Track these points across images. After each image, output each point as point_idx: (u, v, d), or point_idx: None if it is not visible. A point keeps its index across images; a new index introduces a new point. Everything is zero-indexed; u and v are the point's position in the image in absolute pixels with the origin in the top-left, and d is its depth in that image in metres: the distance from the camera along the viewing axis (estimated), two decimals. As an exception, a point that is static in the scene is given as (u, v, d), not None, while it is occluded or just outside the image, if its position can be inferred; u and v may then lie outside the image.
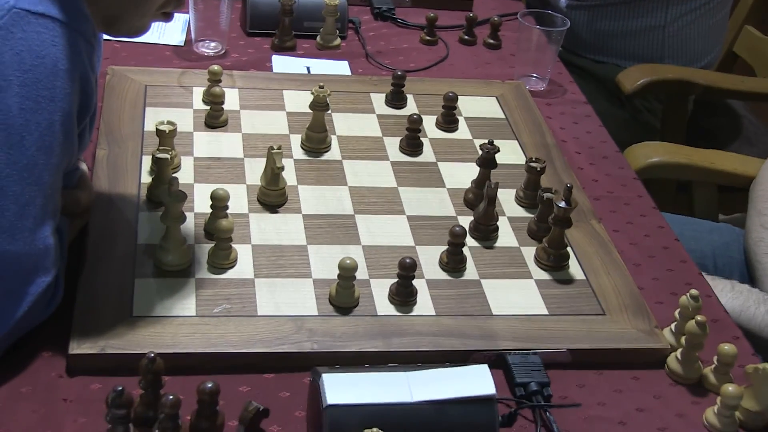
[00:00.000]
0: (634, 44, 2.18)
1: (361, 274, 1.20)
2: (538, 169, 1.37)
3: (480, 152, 1.36)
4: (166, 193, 1.16)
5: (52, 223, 1.03)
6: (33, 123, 0.99)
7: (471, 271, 1.25)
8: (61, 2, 1.01)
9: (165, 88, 1.54)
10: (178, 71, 1.59)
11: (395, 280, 1.18)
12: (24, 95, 0.98)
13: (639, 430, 1.08)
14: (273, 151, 1.28)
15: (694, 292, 1.16)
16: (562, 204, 1.24)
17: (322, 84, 1.42)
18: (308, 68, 1.69)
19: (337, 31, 1.78)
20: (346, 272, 1.14)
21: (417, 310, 1.17)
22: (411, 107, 1.58)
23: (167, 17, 1.15)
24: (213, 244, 1.20)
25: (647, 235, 1.39)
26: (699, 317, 1.12)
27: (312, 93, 1.42)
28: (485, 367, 1.02)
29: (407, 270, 1.16)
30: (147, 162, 1.34)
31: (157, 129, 1.32)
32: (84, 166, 1.27)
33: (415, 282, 1.18)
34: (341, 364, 1.07)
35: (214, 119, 1.46)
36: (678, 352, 1.15)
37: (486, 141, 1.36)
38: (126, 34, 1.15)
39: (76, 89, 1.03)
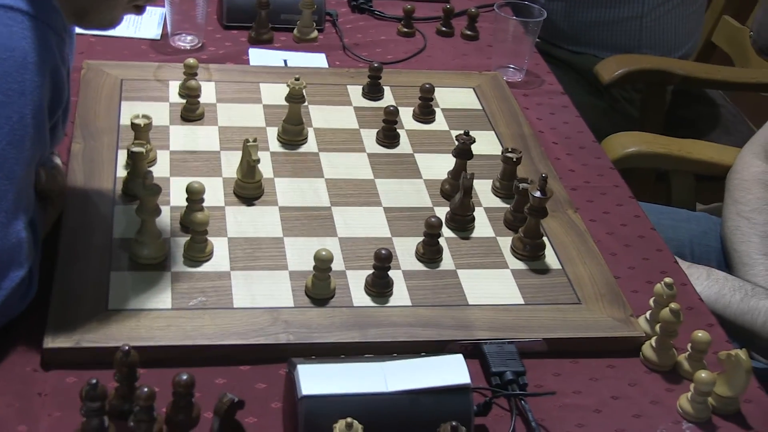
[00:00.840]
0: (611, 34, 2.19)
1: (338, 265, 1.20)
2: (514, 160, 1.37)
3: (456, 143, 1.36)
4: (141, 187, 1.15)
5: (25, 217, 1.03)
6: (3, 117, 0.98)
7: (447, 262, 1.25)
8: (30, -5, 1.00)
9: (141, 82, 1.53)
10: (154, 65, 1.59)
11: (371, 271, 1.18)
12: (-6, 89, 0.97)
13: (614, 417, 1.08)
14: (249, 144, 1.28)
15: (668, 280, 1.17)
16: (538, 194, 1.25)
17: (297, 76, 1.42)
18: (285, 61, 1.69)
19: (315, 24, 1.78)
20: (322, 264, 1.14)
21: (393, 301, 1.18)
22: (388, 99, 1.58)
23: (139, 11, 1.15)
24: (189, 237, 1.20)
25: (624, 225, 1.40)
26: (673, 305, 1.13)
27: (288, 85, 1.42)
28: (460, 356, 1.03)
29: (383, 261, 1.16)
30: (123, 156, 1.34)
31: (132, 123, 1.31)
32: (57, 160, 1.27)
33: (391, 273, 1.18)
34: (317, 355, 1.07)
35: (191, 113, 1.46)
36: (653, 340, 1.16)
37: (462, 132, 1.36)
38: (98, 27, 1.14)
39: (46, 82, 1.02)
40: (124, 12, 1.13)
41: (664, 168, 1.90)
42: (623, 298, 1.23)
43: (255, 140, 1.29)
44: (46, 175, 1.11)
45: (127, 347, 0.97)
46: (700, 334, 1.12)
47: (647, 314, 1.20)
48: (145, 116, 1.32)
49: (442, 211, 1.33)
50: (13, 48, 0.98)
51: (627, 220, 1.41)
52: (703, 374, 1.07)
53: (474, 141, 1.35)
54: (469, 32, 1.86)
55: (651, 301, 1.19)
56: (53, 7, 1.03)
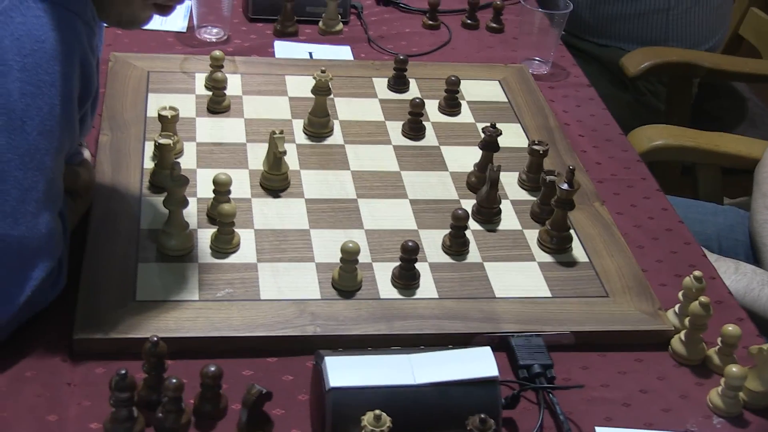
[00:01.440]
0: (637, 27, 2.17)
1: (364, 257, 1.20)
2: (541, 152, 1.36)
3: (482, 135, 1.35)
4: (168, 178, 1.16)
5: (55, 207, 1.04)
6: (34, 108, 0.99)
7: (474, 254, 1.25)
8: (59, -14, 1.01)
9: (167, 74, 1.54)
10: (181, 57, 1.59)
11: (398, 263, 1.18)
12: (24, 80, 0.98)
13: (643, 411, 1.08)
14: (275, 136, 1.28)
15: (697, 273, 1.16)
16: (565, 186, 1.24)
17: (323, 69, 1.42)
18: (310, 53, 1.69)
19: (339, 16, 1.78)
20: (349, 256, 1.14)
21: (420, 293, 1.17)
22: (413, 91, 1.58)
23: (161, 10, 1.13)
24: (216, 229, 1.20)
25: (651, 218, 1.39)
26: (702, 298, 1.12)
27: (314, 78, 1.41)
28: (488, 349, 1.02)
29: (410, 253, 1.16)
30: (150, 147, 1.34)
31: (159, 115, 1.31)
32: (86, 152, 1.28)
33: (417, 265, 1.18)
34: (344, 347, 1.07)
35: (217, 105, 1.46)
36: (682, 334, 1.15)
37: (488, 124, 1.35)
38: (117, 23, 1.14)
39: (76, 73, 1.03)
40: (144, 10, 1.12)
41: (691, 161, 1.88)
42: (651, 292, 1.22)
43: (281, 132, 1.28)
44: (69, 174, 1.11)
45: (155, 338, 0.97)
46: (730, 328, 1.11)
47: (676, 308, 1.19)
48: (172, 108, 1.33)
49: (468, 204, 1.32)
50: (43, 39, 0.99)
51: (654, 213, 1.40)
52: (734, 368, 1.06)
53: (501, 133, 1.34)
54: (494, 25, 1.85)
55: (680, 295, 1.18)
56: (82, -1, 1.03)
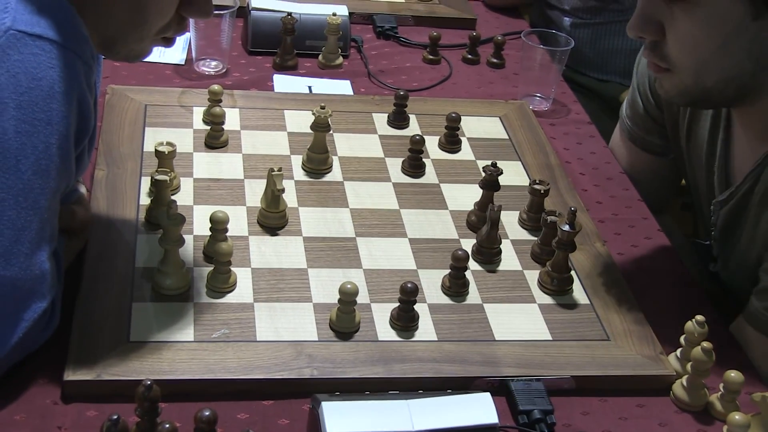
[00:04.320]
0: (638, 63, 2.17)
1: (362, 298, 1.18)
2: (542, 192, 1.35)
3: (483, 174, 1.34)
4: (164, 216, 1.14)
5: (49, 247, 1.02)
6: (29, 146, 0.97)
7: (474, 296, 1.23)
8: (58, 24, 1.00)
9: (165, 107, 1.53)
10: (178, 90, 1.58)
11: (397, 304, 1.16)
12: (20, 118, 0.96)
13: (644, 459, 1.06)
14: (273, 173, 1.27)
15: (699, 317, 1.14)
16: (566, 227, 1.22)
17: (323, 105, 1.41)
18: (310, 87, 1.68)
19: (340, 50, 1.77)
20: (347, 297, 1.13)
21: (418, 335, 1.16)
22: (413, 127, 1.57)
23: (168, 42, 1.14)
24: (212, 268, 1.19)
25: (652, 258, 1.38)
26: (705, 344, 1.10)
27: (313, 114, 1.40)
28: (488, 395, 1.01)
29: (409, 295, 1.14)
30: (146, 183, 1.33)
31: (156, 150, 1.30)
32: (83, 188, 1.26)
33: (416, 306, 1.16)
34: (341, 390, 1.06)
35: (215, 140, 1.45)
36: (684, 379, 1.13)
37: (489, 163, 1.34)
38: (125, 59, 1.13)
39: (73, 111, 1.01)
40: (153, 44, 1.12)
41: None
42: (653, 335, 1.20)
43: (280, 169, 1.27)
44: (65, 212, 1.10)
45: (149, 382, 0.95)
46: (733, 374, 1.10)
47: (678, 352, 1.18)
48: (169, 143, 1.31)
49: (468, 243, 1.31)
50: (40, 77, 0.97)
51: (655, 253, 1.39)
52: (737, 416, 1.04)
53: (501, 172, 1.33)
54: (495, 60, 1.85)
55: (682, 339, 1.17)
56: (83, 37, 1.02)
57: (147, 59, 1.61)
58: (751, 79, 1.17)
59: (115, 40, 1.09)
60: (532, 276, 1.28)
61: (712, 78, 1.17)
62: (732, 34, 1.13)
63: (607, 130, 1.77)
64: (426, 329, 1.17)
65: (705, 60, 1.16)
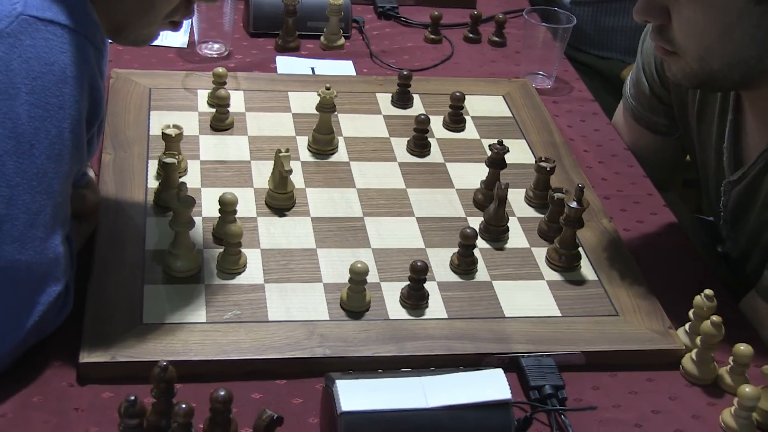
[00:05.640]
0: (638, 40, 2.16)
1: (372, 277, 1.19)
2: (548, 169, 1.36)
3: (488, 152, 1.35)
4: (174, 199, 1.15)
5: (62, 231, 1.02)
6: (42, 131, 0.98)
7: (482, 273, 1.24)
8: (69, 9, 1.00)
9: (169, 91, 1.53)
10: (182, 74, 1.58)
11: (406, 283, 1.17)
12: (33, 103, 0.97)
13: (655, 432, 1.07)
14: (281, 155, 1.27)
15: (708, 291, 1.15)
16: (574, 204, 1.23)
17: (328, 85, 1.41)
18: (313, 69, 1.68)
19: (341, 31, 1.77)
20: (358, 276, 1.13)
21: (429, 313, 1.16)
22: (417, 107, 1.57)
23: (175, 26, 1.14)
24: (222, 249, 1.19)
25: (659, 234, 1.38)
26: (714, 317, 1.11)
27: (319, 94, 1.41)
28: (500, 371, 1.02)
29: (419, 273, 1.15)
30: (153, 166, 1.33)
31: (163, 133, 1.30)
32: (91, 172, 1.27)
33: (426, 285, 1.17)
34: (354, 369, 1.06)
35: (220, 122, 1.45)
36: (693, 353, 1.14)
37: (495, 141, 1.35)
38: (133, 43, 1.14)
39: (84, 96, 1.02)
40: (161, 28, 1.12)
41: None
42: (661, 310, 1.21)
43: (287, 151, 1.28)
44: (76, 197, 1.10)
45: (165, 363, 0.95)
46: (742, 347, 1.11)
47: (686, 326, 1.19)
48: (176, 126, 1.31)
49: (475, 221, 1.32)
50: (52, 62, 0.98)
51: (662, 229, 1.39)
52: (747, 389, 1.05)
53: (508, 150, 1.34)
54: (496, 39, 1.85)
55: (690, 313, 1.18)
56: (93, 21, 1.02)
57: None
58: (757, 63, 1.18)
59: (124, 25, 1.09)
60: (540, 253, 1.28)
61: (717, 62, 1.18)
62: (736, 18, 1.14)
63: (609, 108, 1.78)
64: (436, 307, 1.17)
65: (709, 44, 1.16)
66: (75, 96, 0.99)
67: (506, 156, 1.35)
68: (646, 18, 1.20)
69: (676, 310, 1.23)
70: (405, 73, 1.56)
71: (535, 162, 1.37)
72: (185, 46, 1.70)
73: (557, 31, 1.68)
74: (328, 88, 1.40)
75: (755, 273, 1.30)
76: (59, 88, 0.98)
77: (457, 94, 1.51)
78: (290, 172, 1.27)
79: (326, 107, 1.41)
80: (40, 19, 0.97)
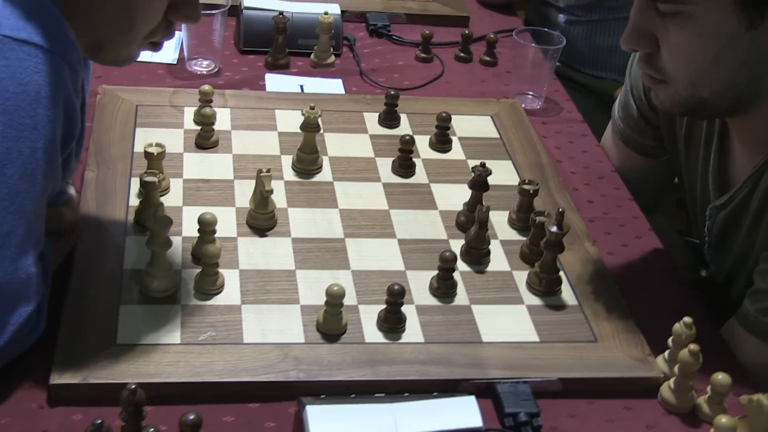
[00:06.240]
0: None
1: (350, 299, 1.18)
2: (531, 192, 1.35)
3: (472, 174, 1.34)
4: (151, 218, 1.14)
5: (35, 251, 1.02)
6: (15, 151, 0.97)
7: (462, 297, 1.23)
8: (45, 29, 1.00)
9: (156, 107, 1.53)
10: (170, 90, 1.58)
11: (384, 306, 1.16)
12: (5, 123, 0.97)
13: (631, 461, 1.06)
14: (262, 175, 1.27)
15: (687, 319, 1.14)
16: (554, 228, 1.22)
17: (312, 105, 1.41)
18: (302, 87, 1.68)
19: (332, 49, 1.77)
20: (334, 299, 1.13)
21: (405, 337, 1.16)
22: (404, 127, 1.57)
23: (155, 47, 1.14)
24: (200, 269, 1.19)
25: (643, 258, 1.37)
26: (692, 346, 1.10)
27: (303, 114, 1.40)
28: (472, 398, 1.01)
29: (396, 297, 1.14)
30: (136, 184, 1.33)
31: (145, 151, 1.30)
32: (72, 190, 1.26)
33: (404, 308, 1.16)
34: (327, 393, 1.06)
35: (205, 140, 1.45)
36: (671, 381, 1.14)
37: (478, 163, 1.34)
38: (112, 63, 1.14)
39: (59, 116, 1.02)
40: (140, 48, 1.12)
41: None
42: (641, 336, 1.20)
43: (268, 171, 1.27)
44: (53, 215, 1.10)
45: (133, 386, 0.95)
46: (720, 377, 1.09)
47: (666, 354, 1.18)
48: (158, 145, 1.31)
49: (457, 244, 1.31)
50: (26, 82, 0.97)
51: (646, 253, 1.39)
52: (723, 419, 1.04)
53: (490, 173, 1.33)
54: (487, 58, 1.84)
55: (669, 341, 1.17)
56: (69, 41, 1.02)
57: (139, 59, 1.62)
58: (747, 88, 1.17)
59: (102, 45, 1.09)
60: (521, 276, 1.28)
61: (708, 89, 1.17)
62: (726, 45, 1.13)
63: (602, 127, 1.77)
64: (413, 331, 1.17)
65: (700, 72, 1.15)
66: (49, 116, 0.99)
67: (491, 177, 1.34)
68: (635, 47, 1.20)
69: (657, 336, 1.22)
70: (392, 92, 1.56)
71: (519, 184, 1.37)
72: (175, 62, 1.70)
73: (547, 51, 1.68)
74: (312, 108, 1.40)
75: (739, 298, 1.29)
76: (33, 108, 0.98)
77: (444, 114, 1.51)
78: (271, 192, 1.27)
79: (310, 127, 1.40)
80: (15, 39, 0.97)
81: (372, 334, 1.15)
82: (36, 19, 0.99)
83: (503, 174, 1.47)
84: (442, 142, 1.52)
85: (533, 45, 1.68)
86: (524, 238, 1.33)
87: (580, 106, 1.79)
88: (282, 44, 1.72)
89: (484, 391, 1.10)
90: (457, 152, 1.52)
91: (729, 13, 1.10)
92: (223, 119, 1.51)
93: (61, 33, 1.02)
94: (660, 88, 1.22)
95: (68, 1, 1.03)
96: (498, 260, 1.30)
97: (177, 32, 1.69)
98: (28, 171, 0.99)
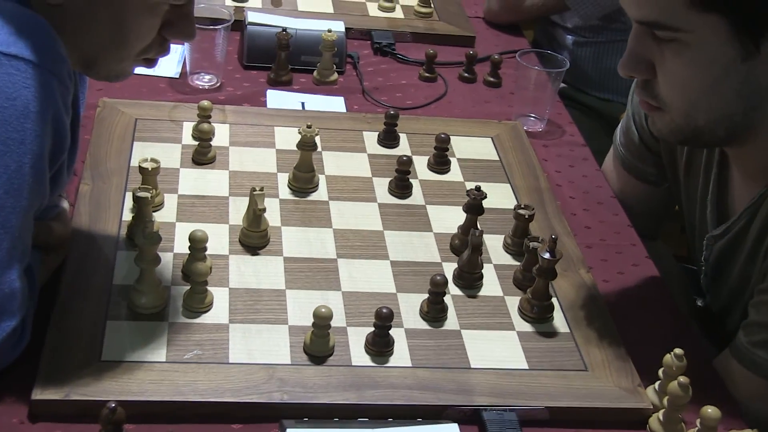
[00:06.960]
0: (639, 83, 2.15)
1: (339, 321, 1.18)
2: (527, 216, 1.34)
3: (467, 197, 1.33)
4: (140, 235, 1.14)
5: (20, 266, 1.02)
6: (1, 166, 0.97)
7: (452, 321, 1.22)
8: (35, 44, 1.00)
9: (155, 122, 1.53)
10: (170, 105, 1.58)
11: (373, 329, 1.15)
12: (-8, 137, 0.97)
13: (616, 494, 1.05)
14: (255, 193, 1.26)
15: (678, 351, 1.13)
16: (547, 255, 1.21)
17: (309, 123, 1.40)
18: (303, 104, 1.67)
19: (335, 66, 1.76)
20: (321, 321, 1.12)
21: (393, 360, 1.15)
22: (404, 147, 1.56)
23: (149, 63, 1.14)
24: (189, 287, 1.18)
25: (639, 286, 1.36)
26: (682, 378, 1.08)
27: (299, 132, 1.40)
28: (455, 426, 1.00)
29: (384, 320, 1.14)
30: (130, 198, 1.32)
31: (139, 166, 1.30)
32: (65, 204, 1.26)
33: (393, 331, 1.16)
34: (310, 416, 1.05)
35: (202, 156, 1.44)
36: (660, 413, 1.12)
37: (474, 186, 1.33)
38: (105, 78, 1.14)
39: (48, 131, 1.01)
40: (134, 65, 1.12)
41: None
42: (632, 366, 1.19)
43: (262, 189, 1.27)
44: (42, 229, 1.10)
45: (113, 404, 0.94)
46: (710, 410, 1.08)
47: (656, 385, 1.16)
48: (153, 160, 1.31)
49: (450, 267, 1.30)
50: (14, 97, 0.97)
51: (642, 281, 1.37)
52: (709, 454, 1.02)
53: (485, 196, 1.32)
54: (491, 79, 1.84)
55: (660, 372, 1.15)
56: (60, 56, 1.02)
57: (141, 72, 1.62)
58: (743, 118, 1.16)
59: (94, 60, 1.09)
60: (513, 302, 1.27)
61: (703, 118, 1.16)
62: (722, 74, 1.12)
63: (606, 150, 1.76)
64: (401, 355, 1.16)
65: (695, 100, 1.15)
66: (37, 131, 0.99)
67: (488, 200, 1.33)
68: (632, 73, 1.19)
69: (649, 366, 1.20)
70: (392, 112, 1.55)
71: (514, 209, 1.36)
72: (177, 76, 1.70)
73: (551, 73, 1.67)
74: (309, 126, 1.40)
75: (734, 329, 1.27)
76: (21, 123, 0.98)
77: (442, 135, 1.50)
78: (263, 210, 1.27)
79: (307, 145, 1.40)
80: (4, 54, 0.97)
81: (359, 356, 1.14)
82: (26, 34, 0.99)
83: (500, 197, 1.46)
84: (440, 163, 1.51)
85: (536, 67, 1.68)
86: (518, 263, 1.32)
87: (585, 128, 1.78)
88: (284, 60, 1.72)
89: (470, 418, 1.09)
90: (455, 174, 1.52)
91: (725, 43, 1.10)
92: (221, 135, 1.51)
93: (52, 48, 1.02)
94: (656, 116, 1.21)
95: (60, 17, 1.04)
96: (491, 285, 1.29)
97: (180, 46, 1.70)
98: (14, 186, 0.98)
